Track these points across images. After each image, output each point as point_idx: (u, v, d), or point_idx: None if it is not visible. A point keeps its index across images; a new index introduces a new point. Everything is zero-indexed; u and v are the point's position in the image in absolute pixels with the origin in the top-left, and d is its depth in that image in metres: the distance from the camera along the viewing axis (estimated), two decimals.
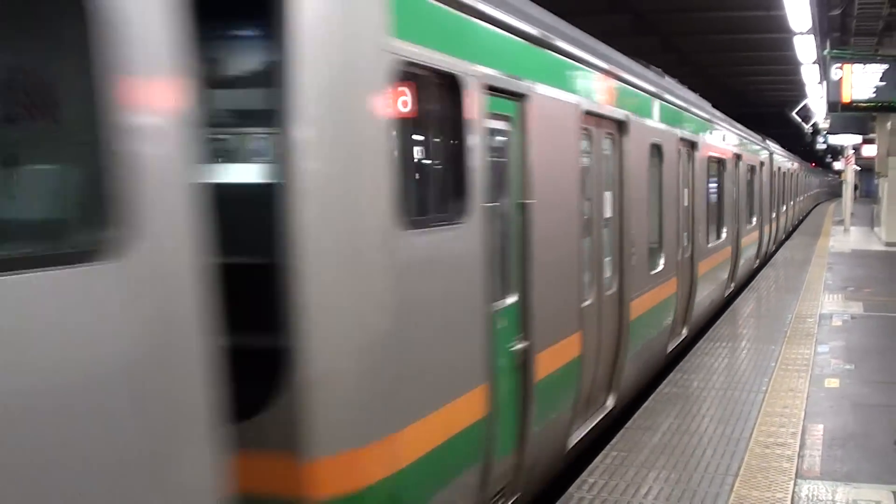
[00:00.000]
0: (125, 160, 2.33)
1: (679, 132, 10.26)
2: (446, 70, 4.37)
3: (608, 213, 7.46)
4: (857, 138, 32.30)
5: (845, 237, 29.17)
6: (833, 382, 8.77)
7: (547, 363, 5.66)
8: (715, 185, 13.16)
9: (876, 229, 29.88)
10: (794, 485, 5.92)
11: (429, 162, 4.65)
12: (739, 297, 14.77)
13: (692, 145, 11.12)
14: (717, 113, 14.47)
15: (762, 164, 19.50)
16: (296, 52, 3.39)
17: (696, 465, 6.32)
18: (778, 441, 6.84)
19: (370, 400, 3.73)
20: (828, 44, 21.19)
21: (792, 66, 27.50)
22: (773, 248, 22.88)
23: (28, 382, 2.10)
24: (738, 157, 15.20)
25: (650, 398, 8.24)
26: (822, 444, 6.81)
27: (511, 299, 5.28)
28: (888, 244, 24.94)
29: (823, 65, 21.87)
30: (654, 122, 9.09)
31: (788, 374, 9.03)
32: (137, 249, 2.37)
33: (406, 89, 4.10)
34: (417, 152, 4.49)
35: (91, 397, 2.25)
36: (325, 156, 3.53)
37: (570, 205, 6.33)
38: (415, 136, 4.44)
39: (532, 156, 5.44)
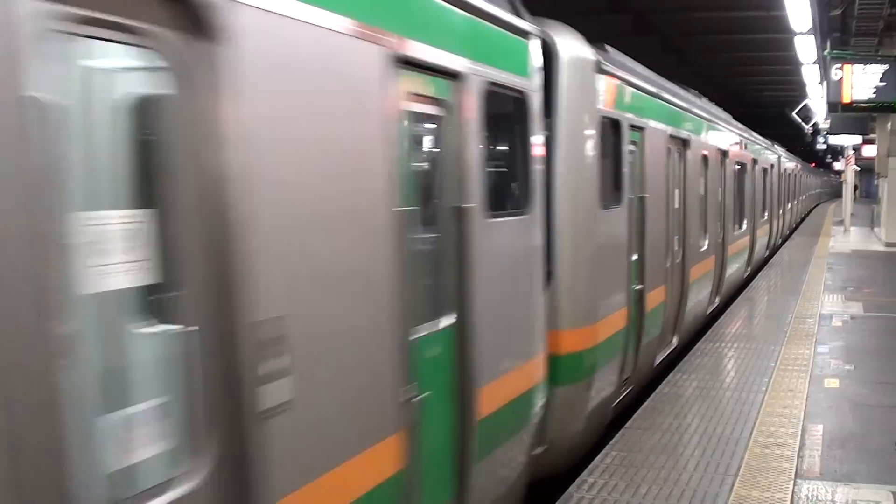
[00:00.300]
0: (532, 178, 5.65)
1: (716, 144, 13.28)
2: (615, 118, 7.66)
3: (676, 204, 10.39)
4: (858, 139, 32.33)
5: (845, 237, 29.18)
6: (833, 383, 8.77)
7: (650, 301, 8.82)
8: (740, 184, 16.26)
9: (876, 230, 29.88)
10: (794, 485, 5.92)
11: (609, 171, 7.52)
12: (757, 276, 18.28)
13: (724, 153, 13.96)
14: (739, 124, 17.68)
15: (772, 166, 22.50)
16: (560, 110, 6.51)
17: (695, 464, 6.32)
18: (777, 441, 6.84)
19: (587, 302, 6.82)
20: (828, 44, 21.20)
21: (792, 66, 27.49)
22: (780, 242, 26.42)
23: (519, 256, 5.41)
24: (755, 161, 18.26)
25: (649, 398, 8.24)
26: (821, 445, 6.82)
27: (635, 256, 8.33)
28: (888, 245, 24.94)
29: (824, 65, 21.88)
30: (703, 139, 12.23)
31: (788, 375, 9.03)
32: (532, 211, 5.53)
33: (603, 132, 7.16)
34: (607, 165, 7.37)
35: (527, 263, 5.51)
36: (574, 168, 6.63)
37: (663, 198, 9.55)
38: (604, 158, 7.24)
39: (646, 165, 8.73)
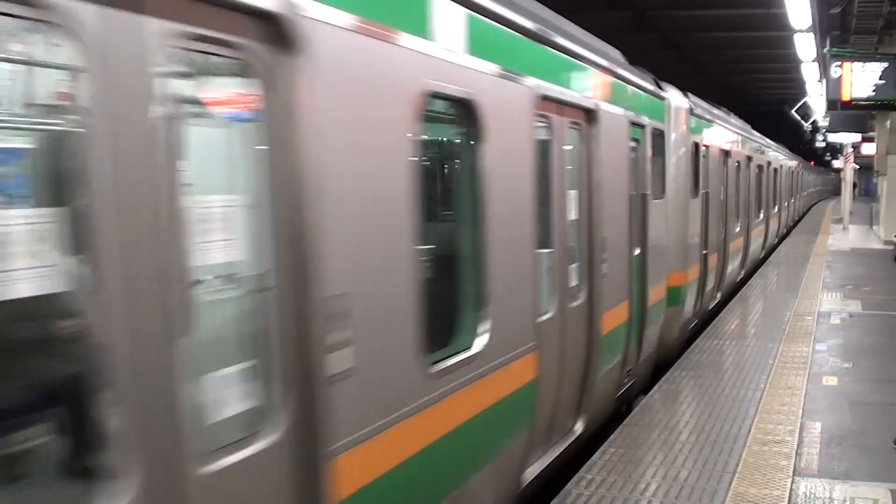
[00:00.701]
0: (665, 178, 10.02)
1: (745, 152, 17.32)
2: (696, 141, 11.48)
3: (721, 197, 14.04)
4: (857, 136, 32.33)
5: (844, 235, 29.20)
6: (831, 380, 8.78)
7: (710, 262, 12.82)
8: (761, 181, 20.78)
9: (875, 228, 29.91)
10: (792, 482, 5.93)
11: (693, 174, 11.24)
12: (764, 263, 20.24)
13: (749, 158, 17.91)
14: (758, 135, 22.25)
15: (781, 166, 27.26)
16: (669, 138, 10.12)
17: (693, 461, 6.33)
18: (776, 438, 6.85)
19: (684, 255, 10.74)
20: (828, 42, 21.17)
21: (792, 63, 27.45)
22: (785, 232, 29.88)
23: (661, 221, 9.56)
24: (769, 162, 22.77)
25: (648, 395, 8.25)
26: (819, 442, 6.83)
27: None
28: (887, 242, 24.96)
29: (823, 63, 21.86)
30: (739, 149, 16.28)
31: (787, 372, 9.04)
32: (665, 197, 9.74)
33: (690, 150, 11.09)
34: (692, 171, 11.16)
35: (664, 224, 9.76)
36: (678, 172, 10.65)
37: (715, 193, 13.28)
38: (691, 166, 11.07)
39: (710, 171, 12.65)
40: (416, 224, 4.04)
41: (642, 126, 8.49)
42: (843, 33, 22.26)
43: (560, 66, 6.22)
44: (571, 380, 6.52)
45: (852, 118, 28.33)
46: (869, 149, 31.83)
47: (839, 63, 18.63)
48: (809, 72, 26.67)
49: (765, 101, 42.72)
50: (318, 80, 3.28)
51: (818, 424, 7.29)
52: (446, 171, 5.58)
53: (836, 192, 69.68)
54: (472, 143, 4.83)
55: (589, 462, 6.36)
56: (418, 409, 4.07)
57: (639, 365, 8.58)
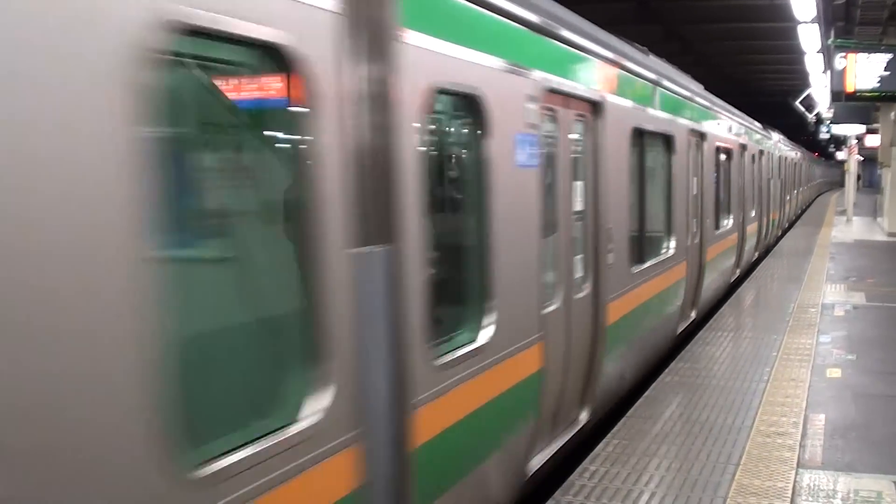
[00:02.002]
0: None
1: (769, 149, 20.89)
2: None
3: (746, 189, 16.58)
4: (861, 128, 32.22)
5: (848, 227, 29.14)
6: (835, 372, 8.76)
7: (750, 230, 17.03)
8: (783, 171, 25.05)
9: (879, 219, 29.83)
10: (796, 474, 5.92)
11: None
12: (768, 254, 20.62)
13: (770, 154, 21.33)
14: (776, 134, 24.89)
15: (793, 159, 30.59)
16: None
17: (697, 453, 6.32)
18: (779, 430, 6.84)
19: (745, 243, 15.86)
20: (832, 33, 21.10)
21: (796, 55, 27.40)
22: (800, 212, 34.77)
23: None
24: (786, 157, 26.31)
25: (651, 387, 8.24)
26: (823, 434, 6.81)
27: (754, 212, 18.05)
28: (891, 234, 24.91)
29: (827, 54, 21.80)
30: (766, 148, 20.04)
31: (790, 364, 9.02)
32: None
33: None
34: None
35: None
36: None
37: (751, 186, 16.84)
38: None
39: (753, 170, 17.67)
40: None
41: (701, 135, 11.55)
42: (847, 24, 22.19)
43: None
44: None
45: (856, 110, 28.27)
46: (873, 140, 31.73)
47: (843, 54, 18.57)
48: (813, 63, 26.62)
49: (769, 92, 42.63)
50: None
51: (822, 416, 7.27)
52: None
53: (839, 183, 69.56)
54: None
55: (592, 453, 6.35)
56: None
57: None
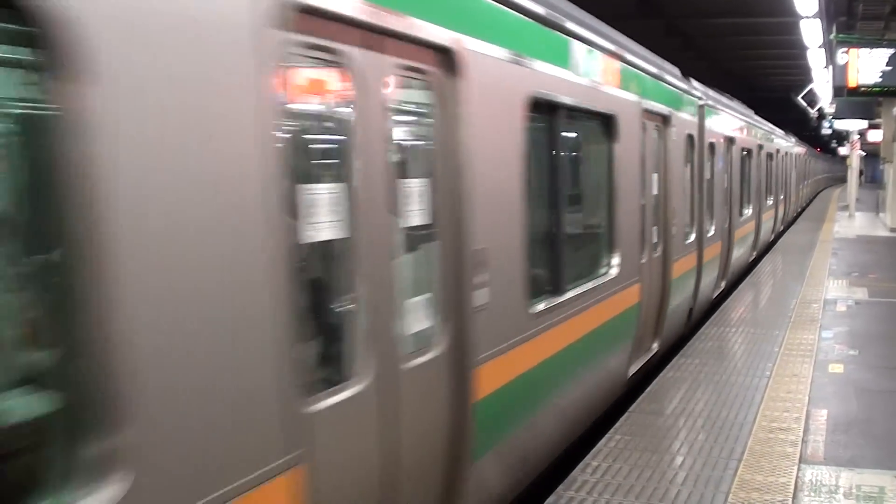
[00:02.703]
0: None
1: (778, 147, 23.15)
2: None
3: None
4: (863, 123, 32.17)
5: (850, 222, 29.11)
6: (837, 368, 8.76)
7: (766, 217, 20.16)
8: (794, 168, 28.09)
9: (881, 215, 29.82)
10: (798, 469, 5.92)
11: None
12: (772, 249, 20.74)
13: (776, 151, 22.97)
14: (780, 131, 26.38)
15: (793, 154, 31.08)
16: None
17: (699, 449, 6.32)
18: (782, 426, 6.84)
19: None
20: (834, 28, 21.06)
21: (798, 50, 27.34)
22: (806, 204, 36.78)
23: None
24: (797, 153, 28.30)
25: (654, 382, 8.24)
26: (825, 430, 6.81)
27: (775, 201, 22.37)
28: (893, 230, 24.89)
29: (829, 49, 21.76)
30: (772, 144, 21.53)
31: (793, 360, 9.02)
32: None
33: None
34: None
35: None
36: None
37: (770, 179, 20.76)
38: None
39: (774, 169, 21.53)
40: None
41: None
42: (849, 19, 22.13)
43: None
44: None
45: (859, 105, 28.22)
46: (875, 136, 31.68)
47: (845, 49, 18.55)
48: (816, 58, 26.55)
49: (770, 87, 42.54)
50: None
51: (824, 412, 7.27)
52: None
53: (841, 179, 69.48)
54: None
55: (594, 449, 6.36)
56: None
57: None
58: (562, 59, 6.11)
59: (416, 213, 4.33)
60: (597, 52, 6.92)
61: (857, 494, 5.55)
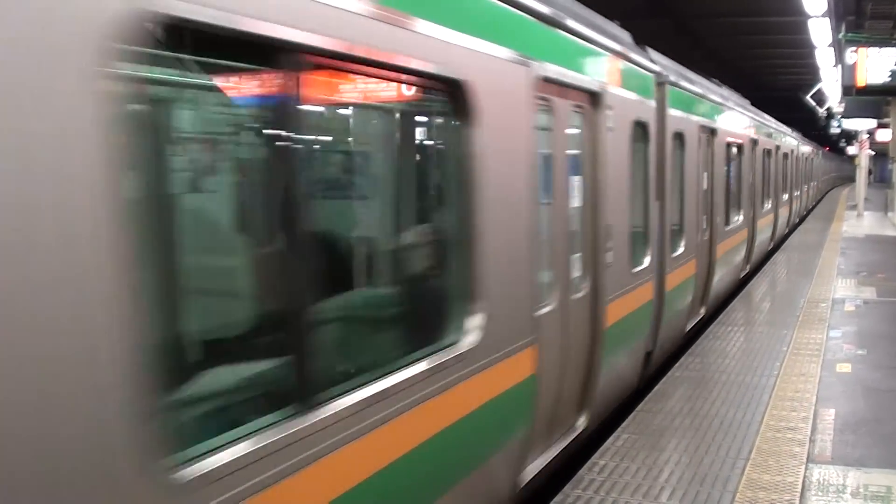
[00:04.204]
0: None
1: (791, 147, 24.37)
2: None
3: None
4: (872, 123, 32.12)
5: (859, 222, 29.04)
6: (845, 367, 8.75)
7: (783, 209, 22.35)
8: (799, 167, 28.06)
9: (890, 214, 29.76)
10: (805, 469, 5.92)
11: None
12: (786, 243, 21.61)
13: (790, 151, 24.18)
14: (791, 132, 26.95)
15: (812, 154, 35.14)
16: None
17: (706, 448, 6.33)
18: (789, 425, 6.84)
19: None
20: (843, 27, 21.02)
21: (806, 49, 27.31)
22: (813, 205, 37.16)
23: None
24: (809, 151, 30.50)
25: (661, 381, 8.25)
26: (833, 429, 6.81)
27: (787, 196, 23.51)
28: None
29: (838, 48, 21.73)
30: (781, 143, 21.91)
31: (800, 359, 9.02)
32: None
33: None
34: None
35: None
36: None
37: (770, 180, 19.20)
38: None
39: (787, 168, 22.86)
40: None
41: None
42: (858, 18, 22.08)
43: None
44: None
45: (867, 104, 28.18)
46: (884, 135, 31.61)
47: (854, 48, 18.53)
48: (824, 57, 26.52)
49: (779, 86, 42.44)
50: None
51: (832, 411, 7.27)
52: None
53: (850, 178, 69.25)
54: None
55: (602, 448, 6.37)
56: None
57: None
58: None
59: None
60: None
61: (864, 494, 5.56)
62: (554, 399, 5.94)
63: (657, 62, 9.11)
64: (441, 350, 4.34)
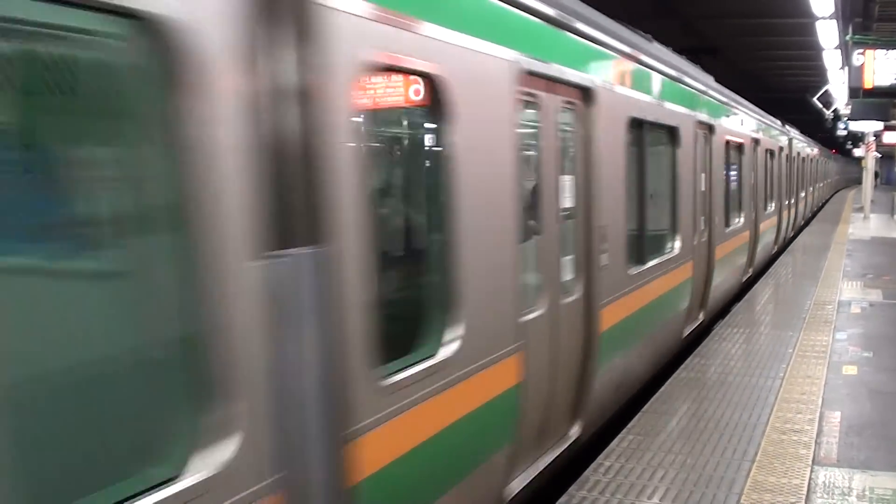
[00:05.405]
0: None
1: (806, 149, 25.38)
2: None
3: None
4: (879, 125, 32.02)
5: (865, 224, 28.98)
6: (851, 370, 8.74)
7: (801, 204, 26.85)
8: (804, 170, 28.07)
9: None
10: (811, 471, 5.92)
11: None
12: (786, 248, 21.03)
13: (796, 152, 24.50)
14: (803, 137, 28.65)
15: (822, 156, 36.04)
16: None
17: (712, 450, 6.33)
18: (795, 427, 6.83)
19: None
20: (850, 29, 20.97)
21: (813, 51, 27.23)
22: (819, 207, 37.48)
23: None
24: (818, 155, 31.33)
25: (667, 383, 8.24)
26: (839, 432, 6.80)
27: (794, 199, 24.22)
28: None
29: (845, 50, 21.67)
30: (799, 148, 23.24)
31: (806, 361, 9.01)
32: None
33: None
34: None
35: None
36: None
37: (789, 177, 21.62)
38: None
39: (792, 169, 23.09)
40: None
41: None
42: (865, 20, 22.02)
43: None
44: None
45: (874, 106, 28.04)
46: (891, 137, 31.54)
47: (861, 50, 18.48)
48: (831, 59, 26.46)
49: (786, 88, 42.36)
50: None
51: (838, 414, 7.26)
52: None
53: (856, 180, 69.11)
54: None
55: (607, 449, 6.37)
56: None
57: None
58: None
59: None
60: None
61: (870, 497, 5.55)
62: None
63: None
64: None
